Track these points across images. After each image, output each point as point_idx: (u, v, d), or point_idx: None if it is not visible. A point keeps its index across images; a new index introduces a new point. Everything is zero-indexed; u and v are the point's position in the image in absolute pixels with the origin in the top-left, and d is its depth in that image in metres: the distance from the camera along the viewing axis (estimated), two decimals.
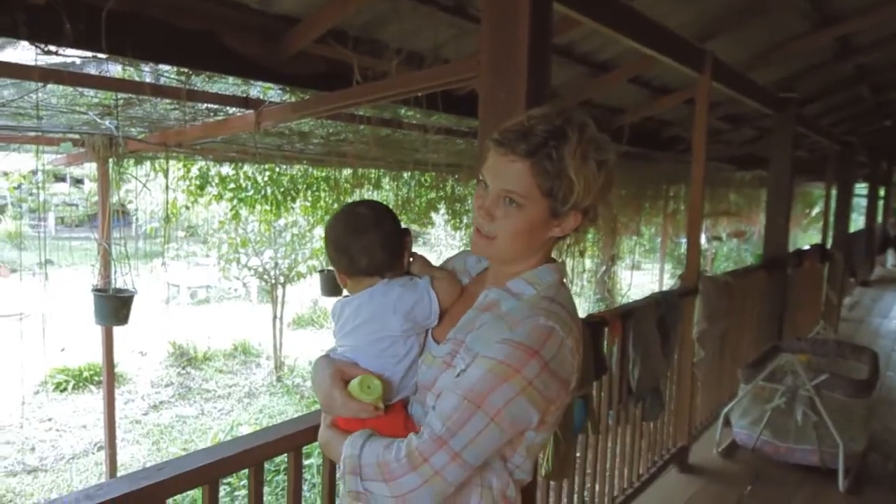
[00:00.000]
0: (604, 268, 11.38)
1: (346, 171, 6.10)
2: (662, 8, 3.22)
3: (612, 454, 2.98)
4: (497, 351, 0.99)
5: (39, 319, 10.17)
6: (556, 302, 1.06)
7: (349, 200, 6.45)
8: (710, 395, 4.09)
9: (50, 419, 6.99)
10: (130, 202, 10.66)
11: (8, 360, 8.31)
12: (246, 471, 1.60)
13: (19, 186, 16.23)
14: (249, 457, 1.56)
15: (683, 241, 11.60)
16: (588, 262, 10.88)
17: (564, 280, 1.16)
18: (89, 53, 2.23)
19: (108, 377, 4.55)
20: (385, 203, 1.38)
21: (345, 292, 1.30)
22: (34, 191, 15.91)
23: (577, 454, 2.61)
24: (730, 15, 3.63)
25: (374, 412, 1.11)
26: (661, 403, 3.25)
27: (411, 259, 1.29)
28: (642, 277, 13.53)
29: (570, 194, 1.04)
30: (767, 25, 3.95)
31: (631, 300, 3.37)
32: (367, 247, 1.20)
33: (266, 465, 1.93)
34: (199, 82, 2.84)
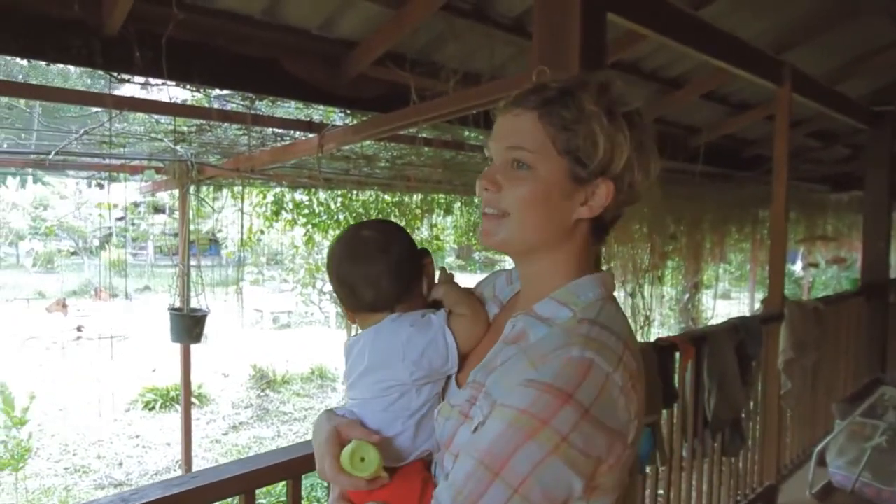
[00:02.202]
0: (687, 295, 10.88)
1: (417, 197, 6.16)
2: (734, 18, 3.06)
3: (688, 491, 2.77)
4: (518, 397, 0.75)
5: (134, 341, 10.82)
6: (598, 325, 0.80)
7: (407, 223, 6.51)
8: (801, 431, 3.79)
9: (138, 436, 7.31)
10: (220, 231, 11.21)
11: (105, 379, 8.85)
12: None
13: (123, 218, 17.43)
14: (287, 469, 1.53)
15: None
16: (670, 290, 10.43)
17: (613, 294, 0.91)
18: (160, 81, 2.34)
19: (185, 395, 4.72)
20: (395, 222, 1.17)
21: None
22: (136, 221, 17.04)
23: (647, 489, 2.45)
24: (810, 23, 3.41)
25: (374, 485, 0.92)
26: (742, 437, 3.01)
27: (435, 281, 1.08)
28: (731, 307, 12.83)
29: (594, 151, 0.82)
30: (854, 33, 3.68)
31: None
32: (373, 277, 0.99)
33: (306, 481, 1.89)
34: (264, 107, 2.94)
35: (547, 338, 0.82)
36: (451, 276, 1.10)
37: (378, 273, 0.99)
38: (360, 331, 1.05)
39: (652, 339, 2.48)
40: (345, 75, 2.82)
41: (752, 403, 3.21)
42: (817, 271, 13.98)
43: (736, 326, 2.97)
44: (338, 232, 6.45)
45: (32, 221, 13.75)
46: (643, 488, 2.36)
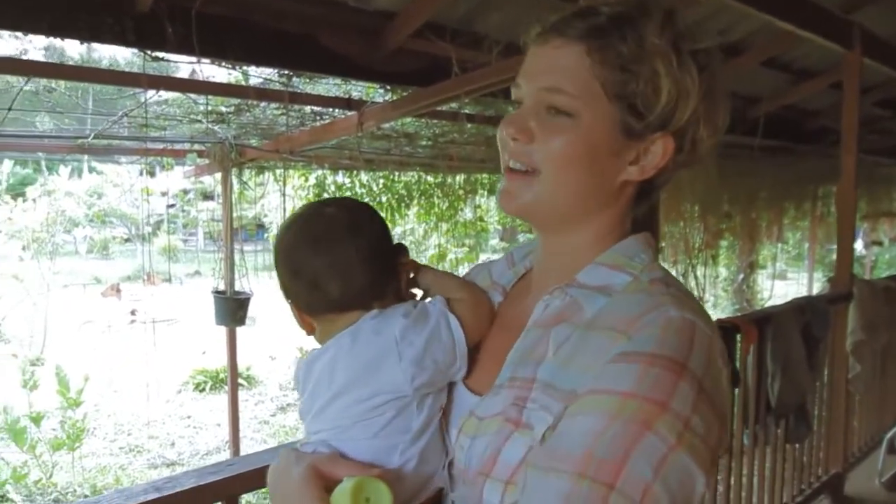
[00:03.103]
0: (741, 276, 10.51)
1: (460, 178, 6.04)
2: None
3: (750, 478, 2.63)
4: (616, 378, 0.58)
5: (184, 325, 11.08)
6: (674, 286, 0.66)
7: (453, 204, 6.37)
8: (870, 417, 3.59)
9: (189, 417, 7.48)
10: (265, 216, 11.33)
11: (157, 361, 9.09)
12: None
13: (173, 205, 17.87)
14: None
15: (835, 247, 10.46)
16: (723, 271, 10.10)
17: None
18: (193, 58, 2.28)
19: (232, 377, 4.77)
20: (365, 202, 0.96)
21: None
22: (185, 208, 17.44)
23: None
24: None
25: None
26: (808, 423, 2.84)
27: (411, 276, 0.86)
28: (787, 287, 12.36)
29: (655, 99, 0.64)
30: None
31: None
32: (341, 266, 0.77)
33: None
34: (301, 84, 2.87)
35: (619, 304, 0.65)
36: (430, 267, 0.90)
37: (348, 260, 0.77)
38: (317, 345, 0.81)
39: None
40: (383, 49, 2.72)
41: (818, 388, 3.03)
42: (881, 250, 13.34)
43: (801, 307, 2.79)
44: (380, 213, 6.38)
45: (87, 209, 14.18)
46: None
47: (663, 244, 5.76)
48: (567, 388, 0.62)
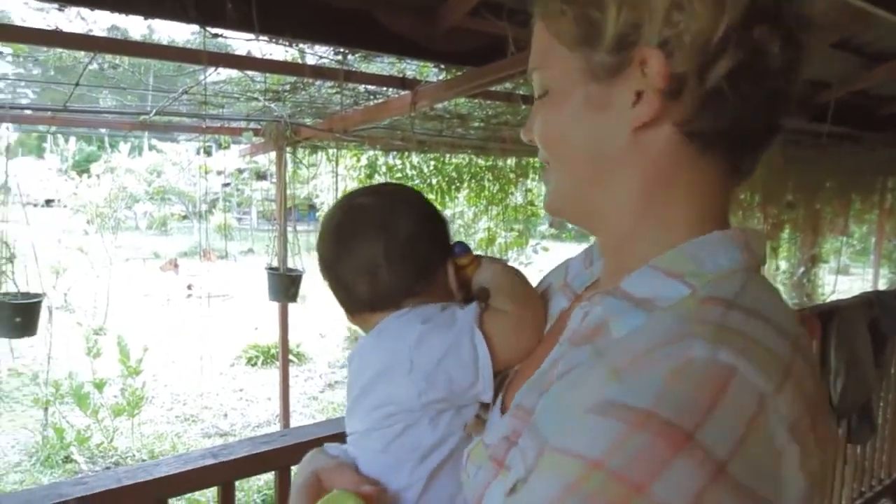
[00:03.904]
0: (802, 269, 10.12)
1: (511, 161, 5.97)
2: None
3: None
4: (587, 436, 0.42)
5: (238, 300, 11.36)
6: (740, 308, 0.46)
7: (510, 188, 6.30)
8: None
9: (241, 389, 7.70)
10: (317, 196, 11.49)
11: (211, 334, 9.37)
12: None
13: (228, 184, 18.31)
14: None
15: None
16: (783, 263, 9.75)
17: (760, 264, 0.55)
18: (251, 35, 2.30)
19: (283, 352, 4.87)
20: (414, 189, 0.83)
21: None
22: (240, 187, 17.85)
23: None
24: None
25: None
26: (872, 424, 2.71)
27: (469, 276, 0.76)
28: (851, 283, 11.85)
29: (602, 18, 0.51)
30: None
31: None
32: (366, 265, 0.71)
33: None
34: (356, 63, 2.87)
35: (644, 330, 0.49)
36: (495, 260, 0.78)
37: (373, 259, 0.71)
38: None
39: None
40: (439, 27, 2.69)
41: (883, 387, 2.90)
42: None
43: (870, 301, 2.66)
44: (431, 197, 6.39)
45: (147, 186, 14.68)
46: None
47: None
48: (543, 435, 0.49)
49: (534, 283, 0.78)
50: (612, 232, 0.59)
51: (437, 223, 0.77)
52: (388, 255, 0.71)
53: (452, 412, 0.67)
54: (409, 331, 0.68)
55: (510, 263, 0.79)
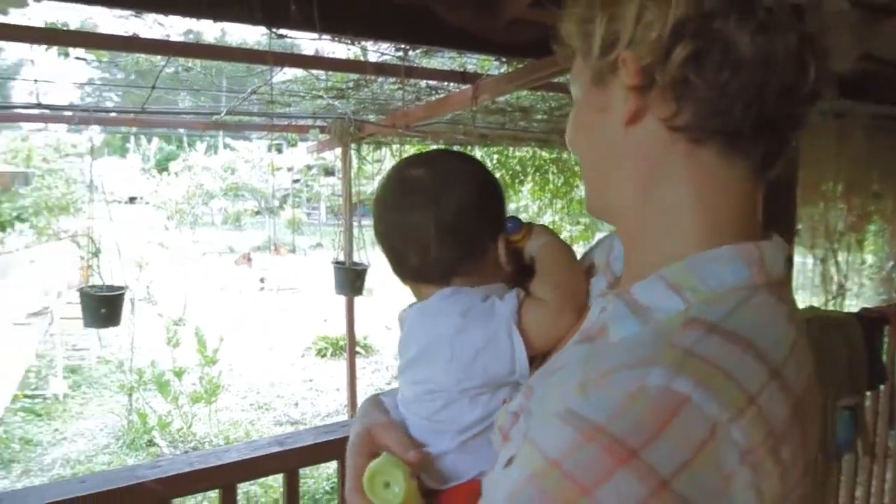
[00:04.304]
0: (891, 263, 9.52)
1: None
2: None
3: (894, 483, 2.40)
4: (551, 437, 0.46)
5: (307, 293, 11.67)
6: (720, 333, 0.48)
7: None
8: None
9: (311, 380, 7.92)
10: None
11: (283, 326, 9.69)
12: None
13: (298, 180, 18.81)
14: None
15: None
16: (870, 257, 9.20)
17: (775, 279, 0.54)
18: (314, 35, 2.35)
19: (350, 344, 4.98)
20: (471, 158, 0.82)
21: None
22: (309, 183, 18.30)
23: (842, 478, 2.13)
24: None
25: None
26: None
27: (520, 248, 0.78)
28: None
29: (593, 26, 0.56)
30: None
31: None
32: (416, 235, 0.72)
33: None
34: (417, 59, 2.89)
35: (629, 343, 0.52)
36: (545, 231, 0.78)
37: (423, 231, 0.71)
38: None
39: (853, 310, 2.14)
40: (500, 19, 2.66)
41: None
42: None
43: None
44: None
45: (222, 183, 15.28)
46: (839, 479, 2.05)
47: (800, 226, 5.32)
48: (529, 422, 0.55)
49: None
50: (625, 229, 0.63)
51: (490, 197, 0.77)
52: (438, 228, 0.71)
53: (489, 395, 0.70)
54: (449, 320, 0.70)
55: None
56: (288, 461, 1.34)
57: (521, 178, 6.23)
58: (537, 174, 6.36)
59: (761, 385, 0.45)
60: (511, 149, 5.94)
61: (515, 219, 0.77)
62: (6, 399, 6.31)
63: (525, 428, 0.56)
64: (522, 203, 7.26)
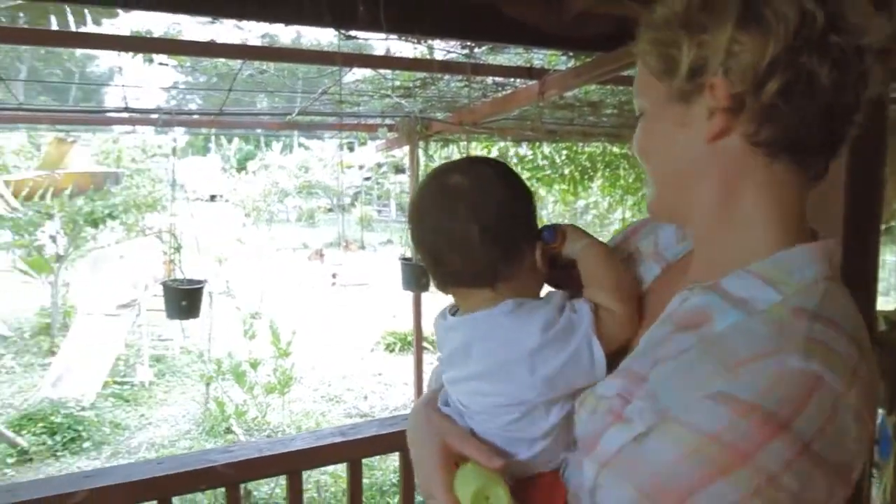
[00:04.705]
0: None
1: None
2: None
3: None
4: (705, 417, 0.56)
5: (377, 289, 11.89)
6: (823, 320, 0.58)
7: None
8: None
9: (380, 374, 8.07)
10: None
11: (353, 320, 9.91)
12: None
13: (369, 178, 19.14)
14: None
15: None
16: None
17: (837, 272, 0.66)
18: (382, 35, 2.40)
19: (416, 339, 5.05)
20: (505, 163, 0.85)
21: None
22: (379, 181, 18.60)
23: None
24: None
25: None
26: None
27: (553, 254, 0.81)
28: None
29: (679, 51, 0.63)
30: None
31: None
32: (459, 243, 0.73)
33: None
34: (483, 56, 2.89)
35: (745, 331, 0.60)
36: (582, 233, 0.81)
37: (467, 239, 0.73)
38: (453, 307, 0.81)
39: None
40: (566, 13, 2.63)
41: None
42: None
43: None
44: (564, 187, 6.29)
45: (297, 181, 15.75)
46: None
47: (893, 223, 5.00)
48: (663, 405, 0.61)
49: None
50: (700, 230, 0.71)
51: (525, 201, 0.80)
52: (482, 231, 0.73)
53: (565, 399, 0.73)
54: (527, 336, 0.71)
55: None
56: (351, 451, 1.37)
57: (591, 174, 6.12)
58: (607, 170, 6.24)
59: (857, 361, 0.57)
60: (580, 144, 5.85)
61: (550, 227, 0.80)
62: (98, 385, 6.75)
63: (653, 408, 0.61)
64: (592, 199, 7.14)
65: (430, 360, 8.64)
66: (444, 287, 0.79)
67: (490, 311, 0.74)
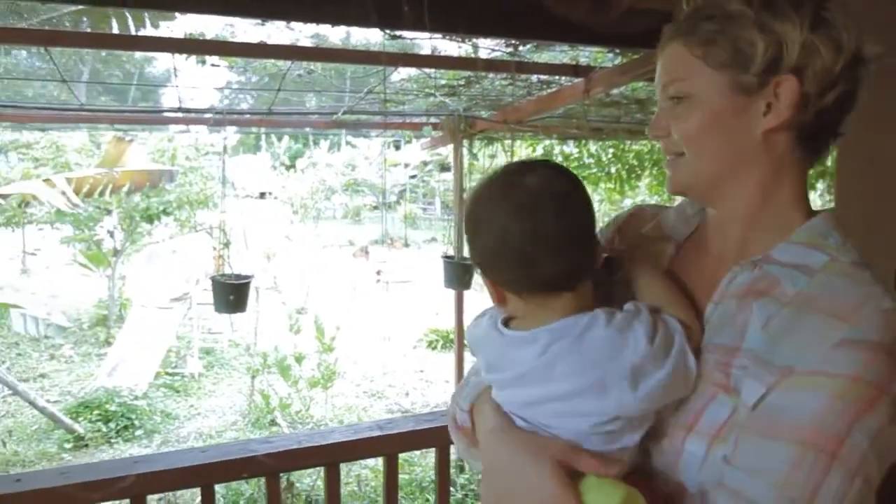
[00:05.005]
0: None
1: None
2: None
3: None
4: (842, 363, 0.63)
5: (421, 286, 11.94)
6: (866, 267, 0.70)
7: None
8: None
9: (422, 371, 8.12)
10: None
11: (397, 317, 9.99)
12: None
13: (415, 176, 19.25)
14: None
15: None
16: None
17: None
18: (427, 35, 2.41)
19: (458, 337, 5.06)
20: (567, 169, 0.81)
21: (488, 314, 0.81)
22: (425, 179, 18.68)
23: None
24: None
25: None
26: None
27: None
28: None
29: (753, 52, 0.69)
30: None
31: None
32: (553, 242, 0.71)
33: None
34: (527, 54, 2.87)
35: (828, 287, 0.69)
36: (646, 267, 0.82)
37: (561, 234, 0.71)
38: (510, 317, 0.76)
39: None
40: (612, 10, 2.59)
41: None
42: None
43: None
44: (610, 185, 6.20)
45: (343, 179, 15.95)
46: None
47: None
48: (781, 364, 0.66)
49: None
50: (737, 210, 0.77)
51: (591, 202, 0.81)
52: (579, 232, 0.73)
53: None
54: (631, 349, 0.69)
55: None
56: (387, 445, 1.39)
57: (638, 172, 6.01)
58: (655, 168, 6.12)
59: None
60: (627, 142, 5.76)
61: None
62: (151, 375, 6.99)
63: (768, 371, 0.67)
64: (639, 198, 7.02)
65: (472, 359, 8.62)
66: (525, 291, 0.74)
67: (578, 321, 0.71)
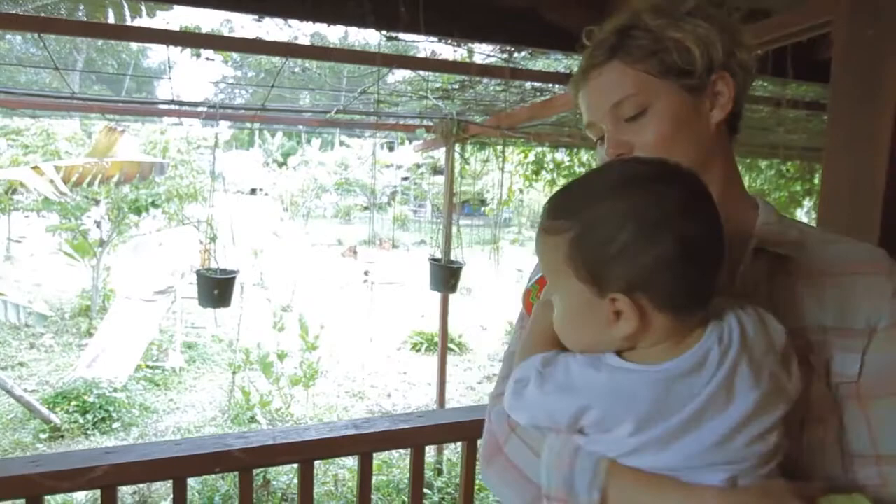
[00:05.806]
0: None
1: None
2: None
3: None
4: None
5: (407, 288, 11.92)
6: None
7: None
8: None
9: (405, 373, 8.11)
10: (488, 192, 11.71)
11: (381, 319, 9.97)
12: None
13: (406, 178, 19.25)
14: None
15: None
16: None
17: None
18: (422, 37, 2.42)
19: (442, 339, 5.06)
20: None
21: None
22: (417, 181, 18.68)
23: None
24: None
25: None
26: None
27: None
28: None
29: (691, 55, 0.76)
30: None
31: None
32: (719, 254, 0.64)
33: None
34: (522, 60, 2.89)
35: (832, 252, 0.77)
36: None
37: (722, 245, 0.63)
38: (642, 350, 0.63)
39: None
40: (605, 19, 2.62)
41: None
42: None
43: None
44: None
45: (335, 178, 15.91)
46: None
47: None
48: (862, 327, 0.71)
49: None
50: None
51: None
52: (723, 244, 0.64)
53: None
54: (778, 334, 0.67)
55: None
56: (362, 444, 1.39)
57: None
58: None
59: None
60: None
61: None
62: (131, 368, 6.93)
63: (848, 338, 0.72)
64: None
65: (456, 363, 8.66)
66: (695, 305, 0.64)
67: (729, 324, 0.64)
